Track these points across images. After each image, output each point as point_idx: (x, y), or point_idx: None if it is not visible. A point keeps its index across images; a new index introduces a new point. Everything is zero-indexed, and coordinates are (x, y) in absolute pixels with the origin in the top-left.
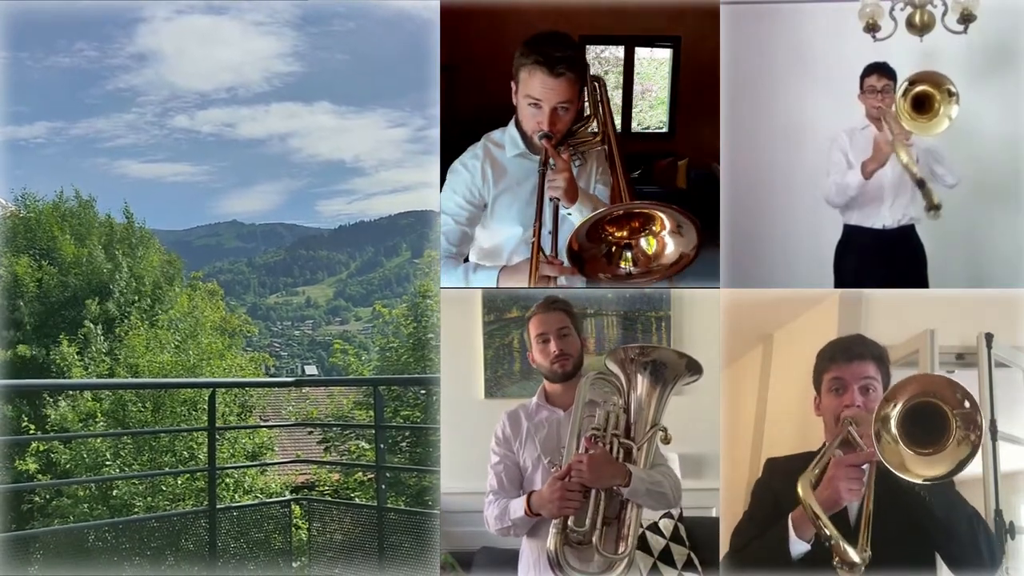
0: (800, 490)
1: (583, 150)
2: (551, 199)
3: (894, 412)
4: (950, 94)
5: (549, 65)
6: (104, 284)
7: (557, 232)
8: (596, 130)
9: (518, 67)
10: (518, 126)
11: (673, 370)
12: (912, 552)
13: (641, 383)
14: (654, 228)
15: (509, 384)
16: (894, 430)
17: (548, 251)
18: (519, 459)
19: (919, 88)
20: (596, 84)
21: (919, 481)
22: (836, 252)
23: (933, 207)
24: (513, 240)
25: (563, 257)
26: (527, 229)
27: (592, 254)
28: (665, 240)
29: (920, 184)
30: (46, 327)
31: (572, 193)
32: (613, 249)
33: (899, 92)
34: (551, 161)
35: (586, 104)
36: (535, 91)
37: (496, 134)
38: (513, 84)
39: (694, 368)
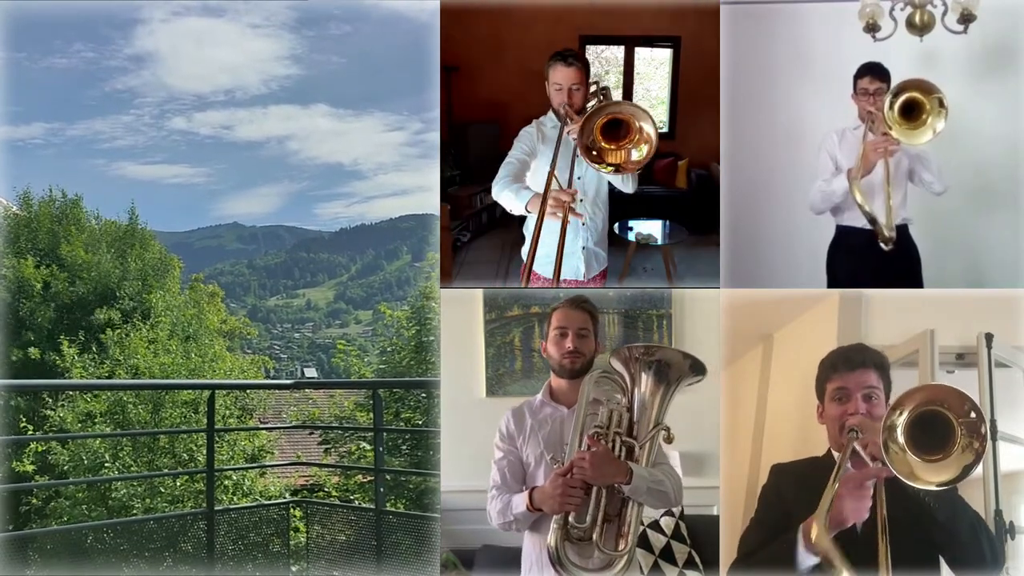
0: (814, 535)
1: None
2: (572, 139)
3: (900, 420)
4: (940, 104)
5: (563, 59)
6: (108, 287)
7: (573, 166)
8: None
9: (546, 68)
10: (552, 108)
11: (677, 370)
12: (916, 555)
13: (645, 382)
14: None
15: (511, 382)
16: (901, 439)
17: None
18: (522, 455)
19: (909, 94)
20: (596, 82)
21: (929, 488)
22: (828, 253)
23: (885, 240)
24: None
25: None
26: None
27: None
28: (651, 139)
29: (871, 221)
30: (50, 329)
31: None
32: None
33: (888, 97)
34: (569, 120)
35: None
36: (557, 78)
37: (542, 117)
38: (546, 83)
39: (698, 369)
